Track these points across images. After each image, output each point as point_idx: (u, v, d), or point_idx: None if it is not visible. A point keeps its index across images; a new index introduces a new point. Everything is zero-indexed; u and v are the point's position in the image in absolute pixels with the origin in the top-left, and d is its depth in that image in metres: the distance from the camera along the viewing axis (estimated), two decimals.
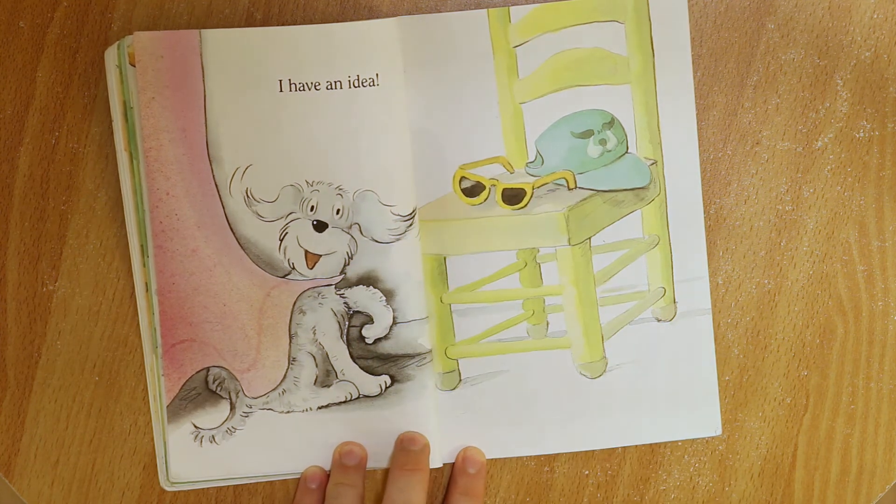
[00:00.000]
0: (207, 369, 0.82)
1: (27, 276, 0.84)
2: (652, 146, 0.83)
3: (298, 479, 0.85)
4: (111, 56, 0.80)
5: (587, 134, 0.82)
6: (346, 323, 0.82)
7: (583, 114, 0.82)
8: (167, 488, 0.84)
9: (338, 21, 0.83)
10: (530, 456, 0.86)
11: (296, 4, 0.83)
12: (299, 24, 0.83)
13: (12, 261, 0.84)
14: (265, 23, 0.83)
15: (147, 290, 0.81)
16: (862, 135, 0.85)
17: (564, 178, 0.82)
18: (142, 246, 0.81)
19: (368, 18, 0.82)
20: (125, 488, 0.85)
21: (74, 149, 0.83)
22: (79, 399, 0.84)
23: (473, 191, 0.82)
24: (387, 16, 0.83)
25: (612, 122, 0.82)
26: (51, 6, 0.82)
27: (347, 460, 0.82)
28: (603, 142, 0.82)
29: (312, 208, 0.80)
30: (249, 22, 0.83)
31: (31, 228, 0.83)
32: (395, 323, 0.82)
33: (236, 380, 0.82)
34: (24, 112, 0.83)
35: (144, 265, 0.81)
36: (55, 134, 0.83)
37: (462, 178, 0.82)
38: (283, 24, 0.83)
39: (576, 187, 0.82)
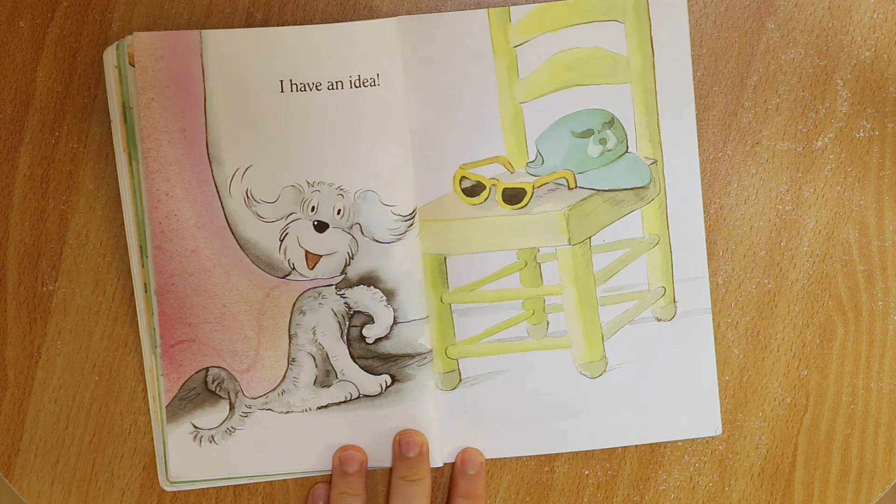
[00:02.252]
0: (207, 369, 0.82)
1: (27, 276, 0.84)
2: (652, 146, 0.83)
3: (297, 479, 0.85)
4: (110, 57, 0.80)
5: (587, 133, 0.82)
6: (347, 323, 0.82)
7: (583, 113, 0.82)
8: (167, 488, 0.83)
9: (338, 21, 0.83)
10: (530, 456, 0.86)
11: (296, 4, 0.83)
12: (299, 24, 0.83)
13: (12, 261, 0.84)
14: (265, 23, 0.83)
15: (146, 291, 0.81)
16: (862, 135, 0.85)
17: (564, 177, 0.82)
18: (140, 247, 0.81)
19: (368, 18, 0.82)
20: (125, 488, 0.85)
21: (74, 149, 0.83)
22: (79, 399, 0.84)
23: (474, 190, 0.82)
24: (387, 16, 0.83)
25: (612, 122, 0.82)
26: (51, 6, 0.82)
27: (348, 467, 0.82)
28: (603, 141, 0.82)
29: (313, 209, 0.80)
30: (249, 22, 0.83)
31: (31, 228, 0.83)
32: (395, 323, 0.82)
33: (235, 380, 0.82)
34: (24, 112, 0.83)
35: (143, 266, 0.81)
36: (55, 134, 0.83)
37: (462, 178, 0.82)
38: (283, 24, 0.83)
39: (576, 187, 0.82)
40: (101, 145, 0.83)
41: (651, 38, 0.82)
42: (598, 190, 0.82)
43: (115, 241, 0.83)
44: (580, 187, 0.82)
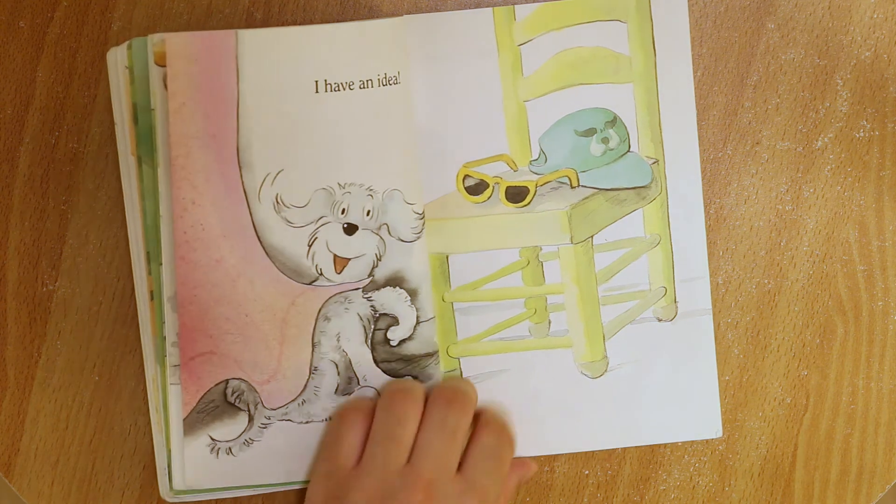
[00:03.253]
0: (226, 382, 0.80)
1: (27, 276, 0.83)
2: (654, 145, 0.83)
3: (298, 488, 0.84)
4: (119, 57, 0.78)
5: (590, 132, 0.82)
6: (372, 327, 0.81)
7: (586, 112, 0.82)
8: (169, 499, 0.82)
9: (339, 20, 0.83)
10: (530, 456, 0.86)
11: (296, 4, 0.83)
12: (300, 24, 0.83)
13: (12, 261, 0.83)
14: (265, 23, 0.83)
15: (152, 299, 0.80)
16: (862, 135, 0.85)
17: (567, 176, 0.82)
18: (148, 253, 0.79)
19: (369, 18, 0.82)
20: (125, 488, 0.85)
21: (74, 149, 0.83)
22: (79, 399, 0.84)
23: (477, 189, 0.82)
24: (387, 15, 0.83)
25: (614, 121, 0.82)
26: (51, 6, 0.82)
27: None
28: (605, 140, 0.82)
29: (343, 211, 0.79)
30: (249, 22, 0.83)
31: (31, 228, 0.83)
32: (417, 322, 0.82)
33: (255, 392, 0.80)
34: (24, 112, 0.83)
35: (150, 273, 0.79)
36: (55, 134, 0.83)
37: (466, 177, 0.82)
38: (283, 24, 0.82)
39: (578, 185, 0.82)
40: (101, 145, 0.83)
41: (653, 38, 0.82)
42: (601, 189, 0.83)
43: (115, 241, 0.83)
44: (582, 186, 0.82)
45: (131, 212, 0.80)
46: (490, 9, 0.81)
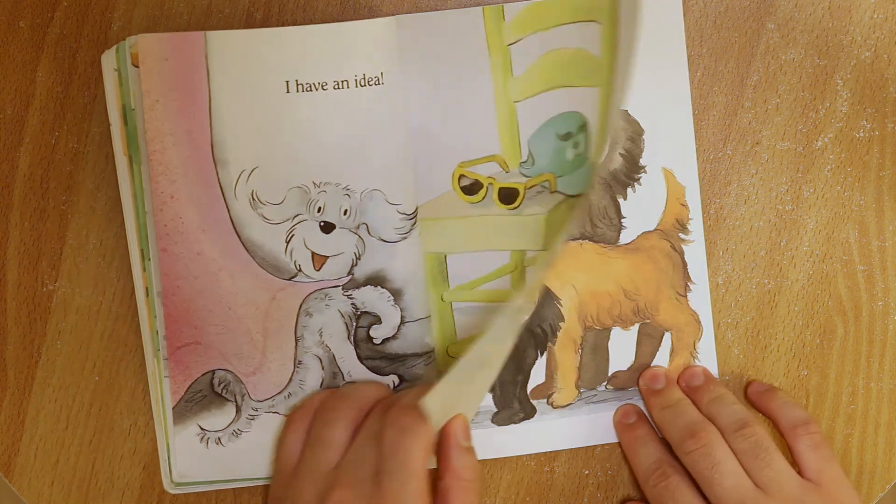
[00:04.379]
0: (213, 372, 0.81)
1: (27, 276, 0.84)
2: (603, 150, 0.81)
3: None
4: (109, 60, 0.79)
5: (567, 136, 0.81)
6: (354, 324, 0.82)
7: (566, 115, 0.81)
8: (171, 491, 0.83)
9: (339, 20, 0.83)
10: (530, 455, 0.86)
11: (296, 4, 0.83)
12: (300, 23, 0.83)
13: (12, 261, 0.84)
14: (265, 23, 0.83)
15: (147, 295, 0.81)
16: (862, 135, 0.85)
17: (548, 180, 0.82)
18: (142, 250, 0.80)
19: (369, 18, 0.82)
20: (125, 488, 0.85)
21: (74, 149, 0.83)
22: (79, 399, 0.84)
23: (472, 189, 0.82)
24: (387, 15, 0.83)
25: (584, 126, 0.81)
26: (51, 6, 0.83)
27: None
28: (576, 145, 0.82)
29: (320, 210, 0.80)
30: (249, 22, 0.83)
31: (31, 228, 0.83)
32: (402, 322, 0.82)
33: (241, 383, 0.82)
34: (24, 112, 0.83)
35: (145, 269, 0.81)
36: (55, 134, 0.83)
37: (461, 177, 0.82)
38: (283, 24, 0.83)
39: (555, 191, 0.82)
40: (101, 145, 0.83)
41: (617, 40, 0.80)
42: (568, 195, 0.82)
43: (115, 242, 0.83)
44: (558, 191, 0.82)
45: (128, 211, 0.81)
46: (480, 8, 0.81)
